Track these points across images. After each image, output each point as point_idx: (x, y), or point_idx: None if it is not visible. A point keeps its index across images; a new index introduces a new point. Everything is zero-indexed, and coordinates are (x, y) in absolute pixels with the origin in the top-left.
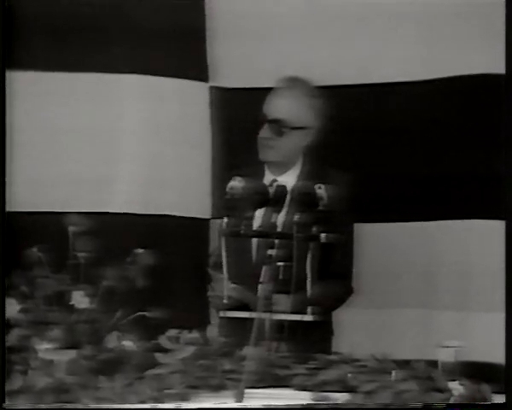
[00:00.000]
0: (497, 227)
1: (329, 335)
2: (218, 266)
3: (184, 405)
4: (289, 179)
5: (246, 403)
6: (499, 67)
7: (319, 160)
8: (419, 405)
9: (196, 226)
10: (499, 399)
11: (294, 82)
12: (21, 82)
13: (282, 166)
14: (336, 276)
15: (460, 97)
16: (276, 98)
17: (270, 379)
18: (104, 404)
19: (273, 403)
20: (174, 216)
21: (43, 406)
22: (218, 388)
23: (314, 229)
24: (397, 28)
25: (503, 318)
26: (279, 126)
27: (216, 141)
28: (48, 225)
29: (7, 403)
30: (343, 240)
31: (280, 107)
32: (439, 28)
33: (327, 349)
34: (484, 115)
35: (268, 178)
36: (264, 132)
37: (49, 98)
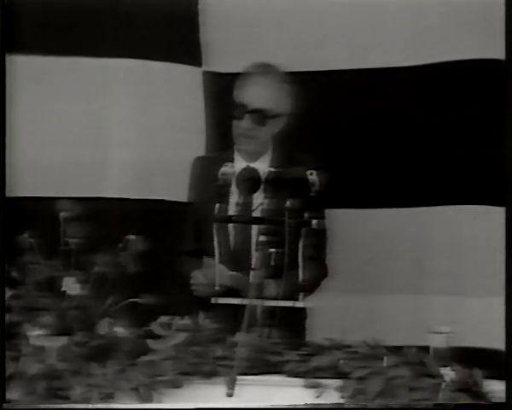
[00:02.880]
0: (488, 212)
1: (304, 319)
2: (206, 252)
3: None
4: (261, 166)
5: (239, 390)
6: (498, 53)
7: (290, 145)
8: (429, 405)
9: (189, 211)
10: (493, 384)
11: (265, 68)
12: (17, 66)
13: (255, 153)
14: (312, 259)
15: (454, 82)
16: (253, 86)
17: (262, 366)
18: (96, 391)
19: (265, 390)
20: (167, 201)
21: (43, 405)
22: (210, 374)
23: (306, 215)
24: (386, 14)
25: (495, 303)
26: (261, 116)
27: (209, 126)
28: (39, 211)
29: (7, 403)
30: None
31: (260, 95)
32: (432, 13)
33: (302, 336)
34: (479, 100)
35: (240, 164)
36: (245, 123)
37: (39, 82)
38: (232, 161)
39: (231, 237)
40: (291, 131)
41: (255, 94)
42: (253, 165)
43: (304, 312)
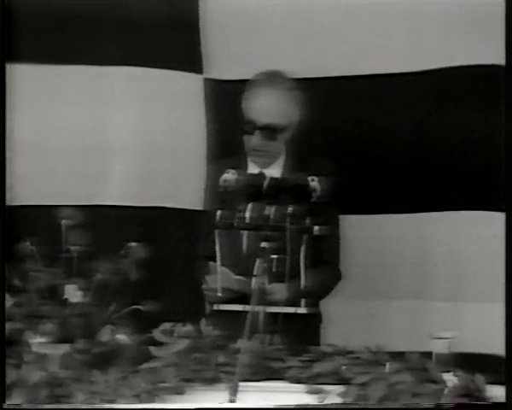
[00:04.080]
0: (488, 218)
1: (318, 323)
2: (210, 259)
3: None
4: (274, 171)
5: (241, 397)
6: (497, 58)
7: (303, 150)
8: (431, 405)
9: (190, 218)
10: (494, 390)
11: (274, 77)
12: (16, 75)
13: (268, 162)
14: (325, 263)
15: (455, 88)
16: (262, 101)
17: (264, 372)
18: (98, 398)
19: (268, 396)
20: (168, 208)
21: (43, 406)
22: (212, 381)
23: (307, 221)
24: (386, 20)
25: (497, 308)
26: (271, 132)
27: (210, 133)
28: (41, 219)
29: (7, 403)
30: (331, 229)
31: (268, 110)
32: (430, 20)
33: (316, 339)
34: (478, 106)
35: (253, 170)
36: (256, 140)
37: (39, 91)
38: (246, 167)
39: (244, 243)
40: (303, 136)
41: (264, 109)
42: (266, 170)
43: (318, 316)
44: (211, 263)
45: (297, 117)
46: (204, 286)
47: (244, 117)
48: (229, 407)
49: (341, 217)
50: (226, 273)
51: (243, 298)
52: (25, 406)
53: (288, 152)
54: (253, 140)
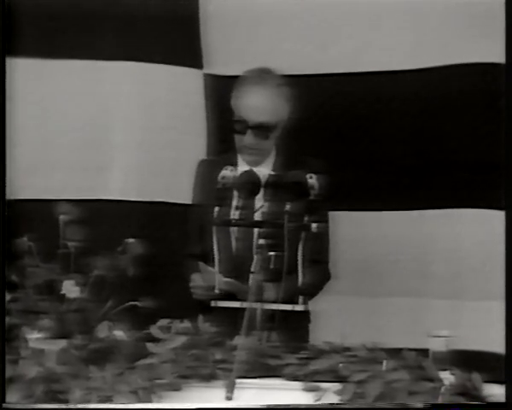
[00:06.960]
0: (488, 216)
1: (307, 323)
2: (206, 256)
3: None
4: (265, 169)
5: (238, 394)
6: (497, 57)
7: (293, 148)
8: (428, 404)
9: (190, 214)
10: (492, 388)
11: (263, 74)
12: (17, 69)
13: (259, 158)
14: (315, 262)
15: (455, 86)
16: (252, 99)
17: (262, 369)
18: (95, 394)
19: (264, 393)
20: (167, 203)
21: (43, 405)
22: (209, 377)
23: (305, 218)
24: (386, 17)
25: (496, 306)
26: (264, 130)
27: (210, 128)
28: (38, 214)
29: (7, 403)
30: (325, 227)
31: (260, 109)
32: (432, 17)
33: (305, 339)
34: (478, 104)
35: (243, 168)
36: (248, 139)
37: (39, 85)
38: (236, 164)
39: (233, 241)
40: (293, 134)
41: (255, 108)
42: (256, 169)
43: (307, 315)
44: (200, 263)
45: (287, 113)
46: (191, 284)
47: (235, 115)
48: (228, 406)
49: (339, 214)
50: (216, 274)
51: (235, 296)
52: (24, 406)
53: (278, 150)
54: (246, 139)
